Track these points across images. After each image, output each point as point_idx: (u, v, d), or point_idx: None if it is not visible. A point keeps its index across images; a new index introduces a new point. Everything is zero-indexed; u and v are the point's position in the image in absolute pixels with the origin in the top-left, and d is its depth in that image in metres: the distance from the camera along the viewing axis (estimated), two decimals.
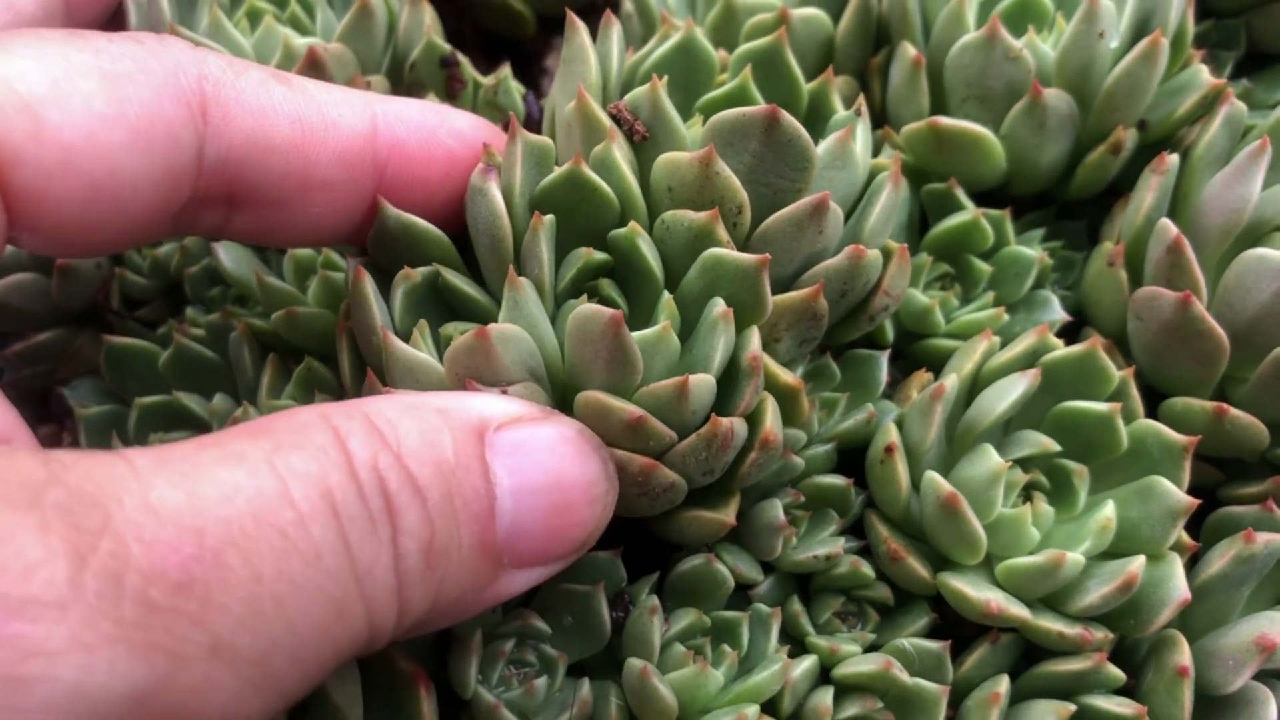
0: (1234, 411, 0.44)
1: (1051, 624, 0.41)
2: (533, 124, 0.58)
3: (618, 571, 0.42)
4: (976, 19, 0.50)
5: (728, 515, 0.41)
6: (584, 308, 0.37)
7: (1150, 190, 0.47)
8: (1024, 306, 0.50)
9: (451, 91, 0.57)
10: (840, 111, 0.45)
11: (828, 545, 0.43)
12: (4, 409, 0.34)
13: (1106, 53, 0.48)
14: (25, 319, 0.56)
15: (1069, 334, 0.50)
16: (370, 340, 0.41)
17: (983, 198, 0.52)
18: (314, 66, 0.50)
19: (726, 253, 0.39)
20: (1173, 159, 0.47)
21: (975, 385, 0.45)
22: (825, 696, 0.41)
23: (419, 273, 0.41)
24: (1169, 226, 0.45)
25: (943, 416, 0.43)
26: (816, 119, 0.45)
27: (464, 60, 0.55)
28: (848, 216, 0.43)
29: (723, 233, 0.39)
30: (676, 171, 0.40)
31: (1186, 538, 0.44)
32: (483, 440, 0.32)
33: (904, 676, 0.41)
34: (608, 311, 0.36)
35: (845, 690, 0.42)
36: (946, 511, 0.41)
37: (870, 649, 0.43)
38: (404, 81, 0.56)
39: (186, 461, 0.28)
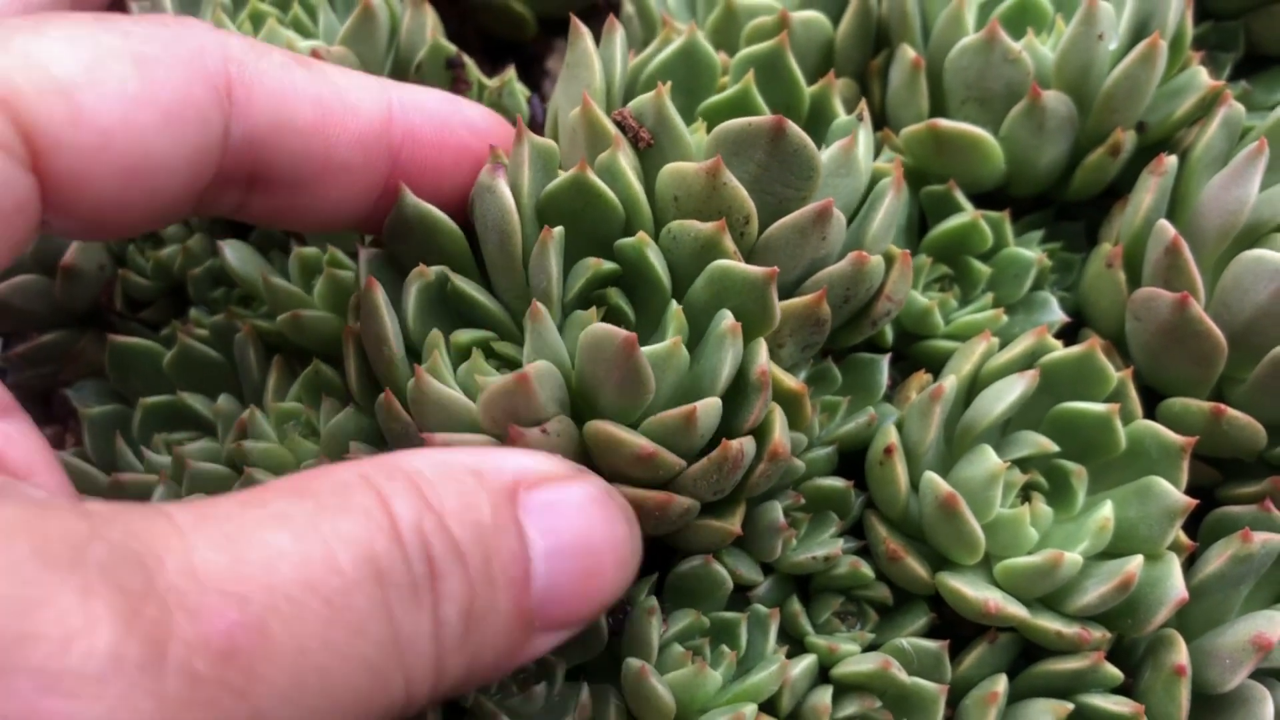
0: (1231, 412, 0.44)
1: (1049, 623, 0.42)
2: (536, 126, 0.58)
3: None
4: (976, 21, 0.50)
5: (733, 524, 0.41)
6: (596, 328, 0.37)
7: (1148, 191, 0.47)
8: (1023, 308, 0.50)
9: (456, 93, 0.57)
10: (842, 115, 0.45)
11: (827, 546, 0.44)
12: (27, 435, 0.34)
13: (1105, 55, 0.48)
14: (28, 320, 0.57)
15: (1068, 335, 0.51)
16: (381, 350, 0.42)
17: (982, 199, 0.52)
18: None
19: (734, 265, 0.39)
20: (1171, 160, 0.47)
21: (974, 386, 0.45)
22: (824, 695, 0.42)
23: (433, 271, 0.42)
24: (1167, 228, 0.45)
25: (941, 417, 0.43)
26: (818, 123, 0.46)
27: (469, 62, 0.56)
28: (850, 222, 0.43)
29: (729, 244, 0.40)
30: (683, 181, 0.40)
31: (1184, 537, 0.44)
32: (515, 501, 0.32)
33: (902, 676, 0.41)
34: (621, 333, 0.36)
35: (844, 689, 0.43)
36: (945, 512, 0.41)
37: (869, 648, 0.44)
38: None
39: (230, 521, 0.27)
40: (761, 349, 0.40)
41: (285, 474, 0.45)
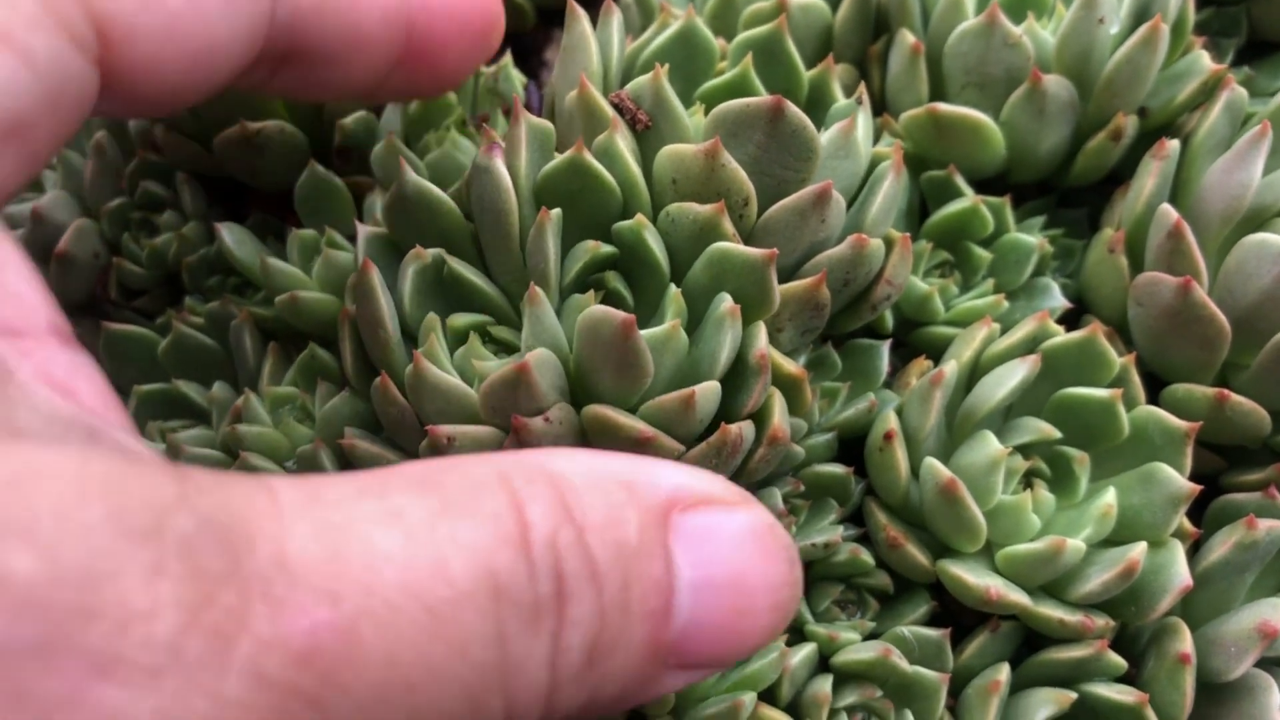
0: (1235, 397, 0.44)
1: (1052, 611, 0.41)
2: (533, 113, 0.58)
3: None
4: (975, 6, 0.50)
5: None
6: (594, 310, 0.37)
7: (1151, 176, 0.47)
8: (1024, 294, 0.50)
9: None
10: (841, 99, 0.45)
11: (827, 533, 0.43)
12: (96, 371, 0.31)
13: (1106, 39, 0.48)
14: None
15: (1070, 321, 0.50)
16: (377, 334, 0.41)
17: (983, 185, 0.52)
18: None
19: (733, 247, 0.39)
20: (1173, 145, 0.47)
21: (975, 372, 0.45)
22: (824, 684, 0.41)
23: (429, 254, 0.41)
24: (1169, 212, 0.44)
25: (942, 403, 0.43)
26: (817, 107, 0.45)
27: None
28: (850, 206, 0.43)
29: (729, 226, 0.39)
30: (681, 163, 0.40)
31: (1188, 524, 0.43)
32: (667, 523, 0.28)
33: (903, 664, 0.41)
34: (619, 316, 0.36)
35: (844, 678, 0.42)
36: (945, 498, 0.41)
37: (870, 637, 0.43)
38: None
39: (338, 509, 0.24)
40: (761, 332, 0.40)
41: (279, 459, 0.45)
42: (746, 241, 0.40)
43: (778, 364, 0.42)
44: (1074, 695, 0.41)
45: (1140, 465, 0.43)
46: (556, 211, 0.40)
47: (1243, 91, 0.47)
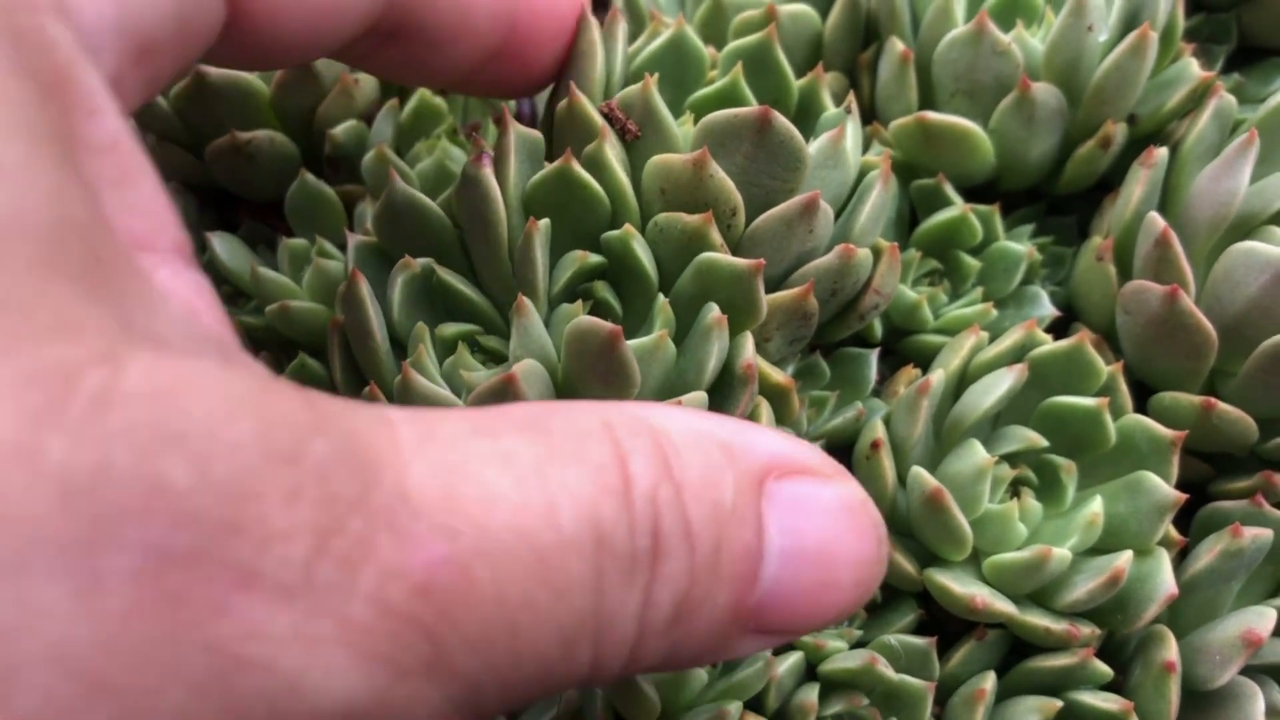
0: (1221, 406, 0.44)
1: (1038, 619, 0.41)
2: (525, 121, 0.58)
3: None
4: (965, 13, 0.50)
5: None
6: (581, 320, 0.37)
7: (1139, 184, 0.47)
8: (1013, 302, 0.50)
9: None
10: (830, 108, 0.45)
11: None
12: (215, 304, 0.30)
13: (1095, 46, 0.48)
14: None
15: (1060, 329, 0.50)
16: (365, 343, 0.42)
17: (973, 193, 0.52)
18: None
19: (720, 257, 0.39)
20: (1161, 153, 0.47)
21: (963, 380, 0.45)
22: (811, 693, 0.41)
23: (418, 263, 0.42)
24: (1156, 220, 0.45)
25: (929, 412, 0.43)
26: (807, 116, 0.45)
27: None
28: (838, 215, 0.43)
29: (716, 236, 0.40)
30: (669, 173, 0.40)
31: (1175, 532, 0.44)
32: (762, 489, 0.28)
33: (889, 672, 0.41)
34: (606, 326, 0.36)
35: (831, 687, 0.42)
36: (931, 507, 0.41)
37: (858, 645, 0.43)
38: None
39: (454, 449, 0.25)
40: (748, 342, 0.40)
41: None
42: (734, 251, 0.41)
43: (765, 373, 0.42)
44: (1060, 703, 0.41)
45: (1127, 474, 0.43)
46: (545, 222, 0.40)
47: (1231, 99, 0.47)
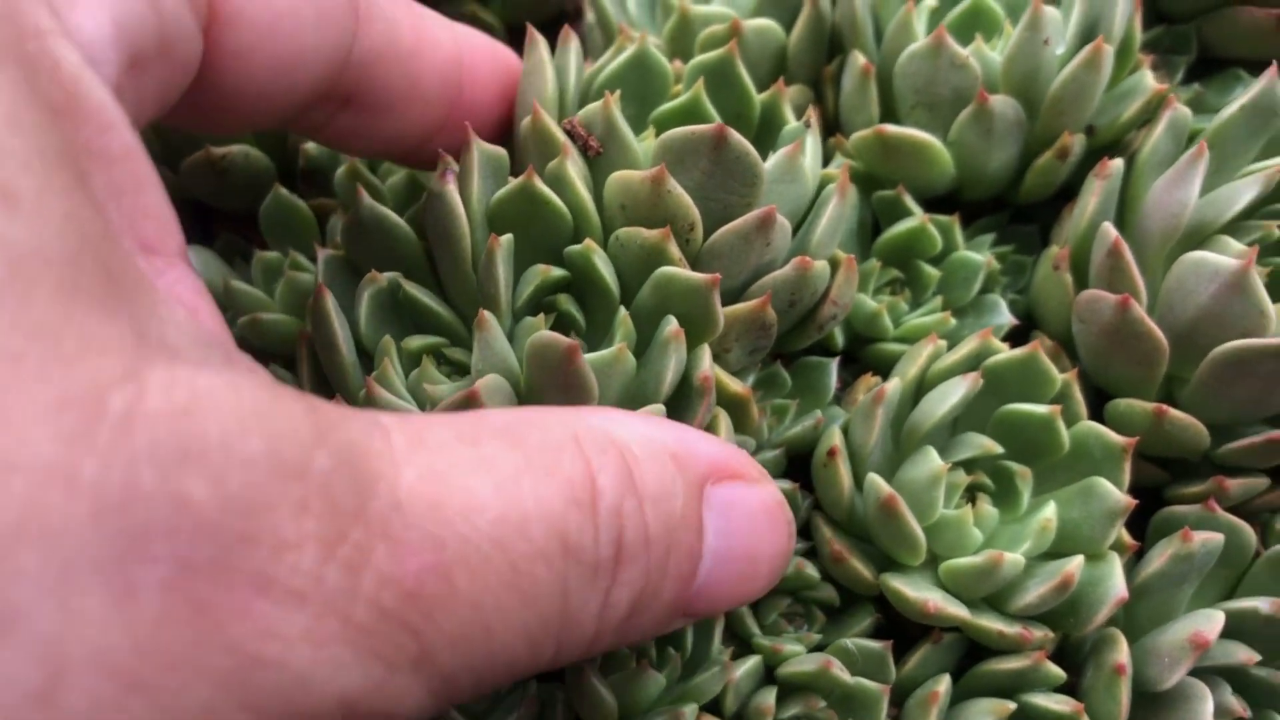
0: (1173, 413, 0.45)
1: (991, 623, 0.42)
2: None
3: None
4: (926, 27, 0.50)
5: None
6: (540, 335, 0.38)
7: (1093, 195, 0.48)
8: (972, 310, 0.51)
9: None
10: (792, 122, 0.46)
11: None
12: (212, 305, 0.33)
13: (1053, 59, 0.48)
14: None
15: (1020, 336, 0.51)
16: (332, 357, 0.42)
17: (936, 203, 0.53)
18: None
19: (678, 271, 0.40)
20: (1115, 164, 0.48)
21: (921, 388, 0.46)
22: (768, 696, 0.42)
23: (384, 277, 0.42)
24: (1109, 230, 0.45)
25: (884, 420, 0.44)
26: (769, 129, 0.46)
27: None
28: (798, 228, 0.44)
29: (674, 250, 0.40)
30: (629, 189, 0.41)
31: (1127, 537, 0.44)
32: (702, 494, 0.32)
33: (845, 676, 0.42)
34: (564, 341, 0.37)
35: (789, 690, 0.43)
36: (886, 513, 0.42)
37: (816, 649, 0.44)
38: None
39: (441, 454, 0.27)
40: (705, 355, 0.41)
41: None
42: (693, 265, 0.42)
43: (724, 383, 0.43)
44: (1013, 705, 0.42)
45: (1081, 479, 0.44)
46: (507, 238, 0.41)
47: (1185, 111, 0.48)
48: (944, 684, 0.43)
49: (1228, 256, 0.43)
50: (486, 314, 0.40)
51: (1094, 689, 0.43)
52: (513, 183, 0.41)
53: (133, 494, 0.21)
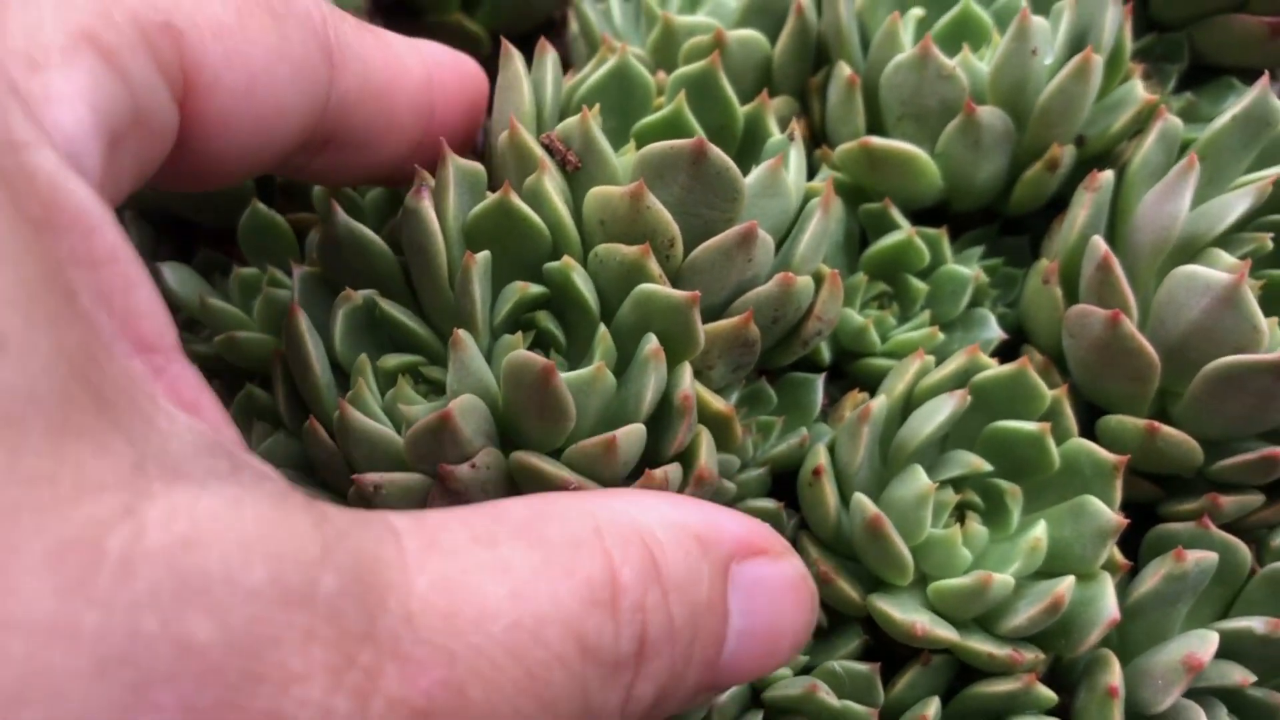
0: (1165, 429, 0.44)
1: (981, 645, 0.41)
2: (481, 150, 0.58)
3: None
4: (913, 38, 0.50)
5: None
6: (516, 355, 0.37)
7: (1083, 208, 0.47)
8: (961, 325, 0.50)
9: None
10: (776, 135, 0.45)
11: None
12: (211, 396, 0.32)
13: (1041, 70, 0.48)
14: None
15: (1010, 350, 0.50)
16: (306, 376, 0.42)
17: (924, 214, 0.52)
18: None
19: (658, 289, 0.39)
20: (1105, 176, 0.47)
21: (908, 404, 0.45)
22: None
23: (360, 295, 0.42)
24: (1098, 244, 0.45)
25: (871, 438, 0.43)
26: (753, 142, 0.46)
27: None
28: (782, 242, 0.43)
29: (654, 267, 0.40)
30: (608, 205, 0.40)
31: (1119, 556, 0.44)
32: (728, 575, 0.32)
33: (831, 699, 0.41)
34: (540, 361, 0.36)
35: (775, 713, 0.42)
36: (872, 533, 0.41)
37: (803, 671, 0.43)
38: None
39: (454, 559, 0.27)
40: (686, 373, 0.40)
41: None
42: (674, 281, 0.41)
43: (706, 401, 0.42)
44: None
45: (1071, 498, 0.43)
46: (484, 255, 0.40)
47: (1176, 121, 0.47)
48: (933, 707, 0.42)
49: (1220, 270, 0.43)
50: (461, 333, 0.39)
51: (1086, 711, 0.43)
52: (490, 198, 0.40)
53: (135, 642, 0.21)
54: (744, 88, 0.51)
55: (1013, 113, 0.48)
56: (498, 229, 0.41)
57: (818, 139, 0.53)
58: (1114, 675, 0.42)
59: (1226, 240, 0.45)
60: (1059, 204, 0.52)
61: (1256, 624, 0.43)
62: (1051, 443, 0.43)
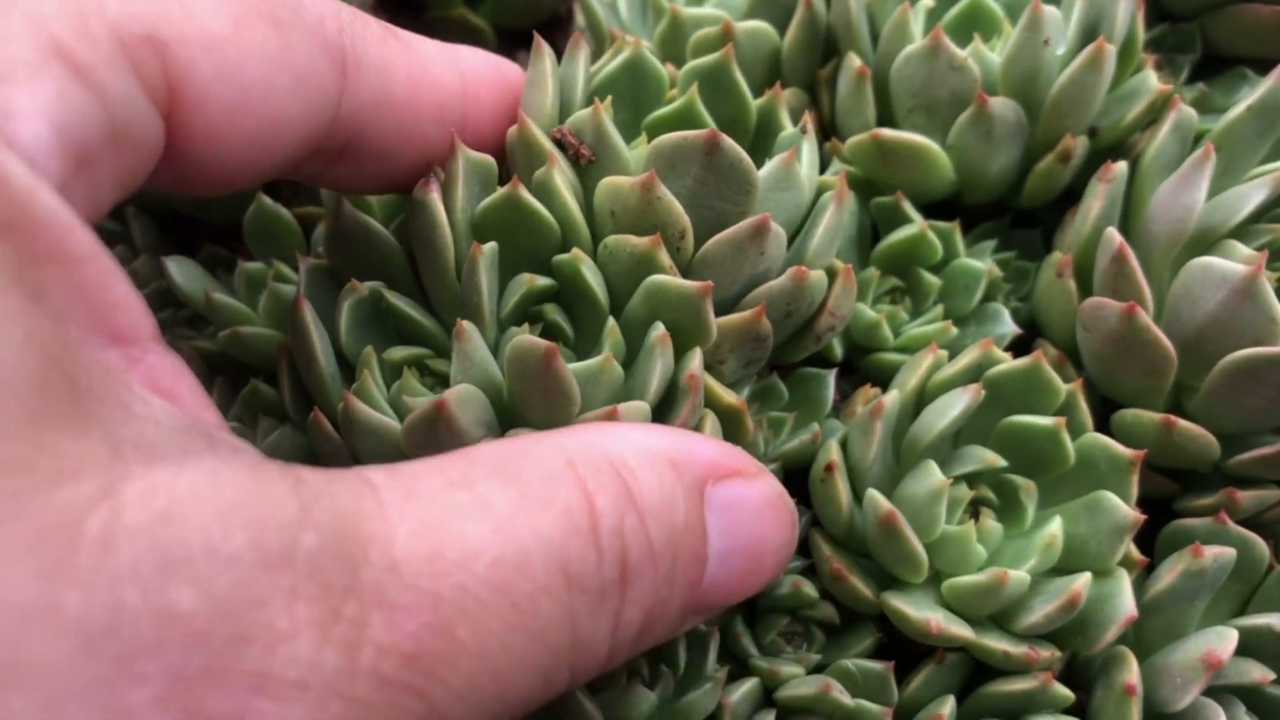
0: (1181, 423, 0.43)
1: (997, 643, 0.41)
2: None
3: None
4: (923, 28, 0.49)
5: None
6: (520, 340, 0.37)
7: (1097, 199, 0.47)
8: (974, 319, 0.49)
9: None
10: (788, 128, 0.44)
11: None
12: (192, 382, 0.33)
13: (1053, 60, 0.47)
14: None
15: (1025, 344, 0.50)
16: (311, 369, 0.41)
17: (936, 207, 0.51)
18: None
19: (668, 279, 0.39)
20: (1119, 167, 0.46)
21: (921, 399, 0.44)
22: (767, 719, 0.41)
23: (366, 287, 0.41)
24: (1113, 236, 0.44)
25: (883, 434, 0.42)
26: (765, 135, 0.45)
27: None
28: (793, 237, 0.43)
29: (665, 258, 0.39)
30: (618, 196, 0.39)
31: (1136, 552, 0.43)
32: (703, 496, 0.32)
33: (845, 699, 0.41)
34: (542, 344, 0.36)
35: (787, 713, 0.42)
36: (886, 530, 0.41)
37: (816, 669, 0.43)
38: None
39: (433, 504, 0.27)
40: (694, 357, 0.39)
41: None
42: (685, 274, 0.40)
43: (717, 395, 0.41)
44: None
45: (1087, 493, 0.43)
46: (490, 246, 0.39)
47: (1190, 112, 0.47)
48: (948, 706, 0.41)
49: (1236, 262, 0.42)
50: (465, 324, 0.38)
51: (1103, 709, 0.42)
52: (498, 193, 0.40)
53: (118, 617, 0.21)
54: (753, 80, 0.51)
55: (1025, 104, 0.48)
56: (506, 222, 0.40)
57: (827, 131, 0.53)
58: (1132, 673, 0.41)
59: (1242, 232, 0.45)
60: (1071, 196, 0.51)
61: (1276, 621, 0.42)
62: (1066, 438, 0.43)
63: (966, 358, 0.44)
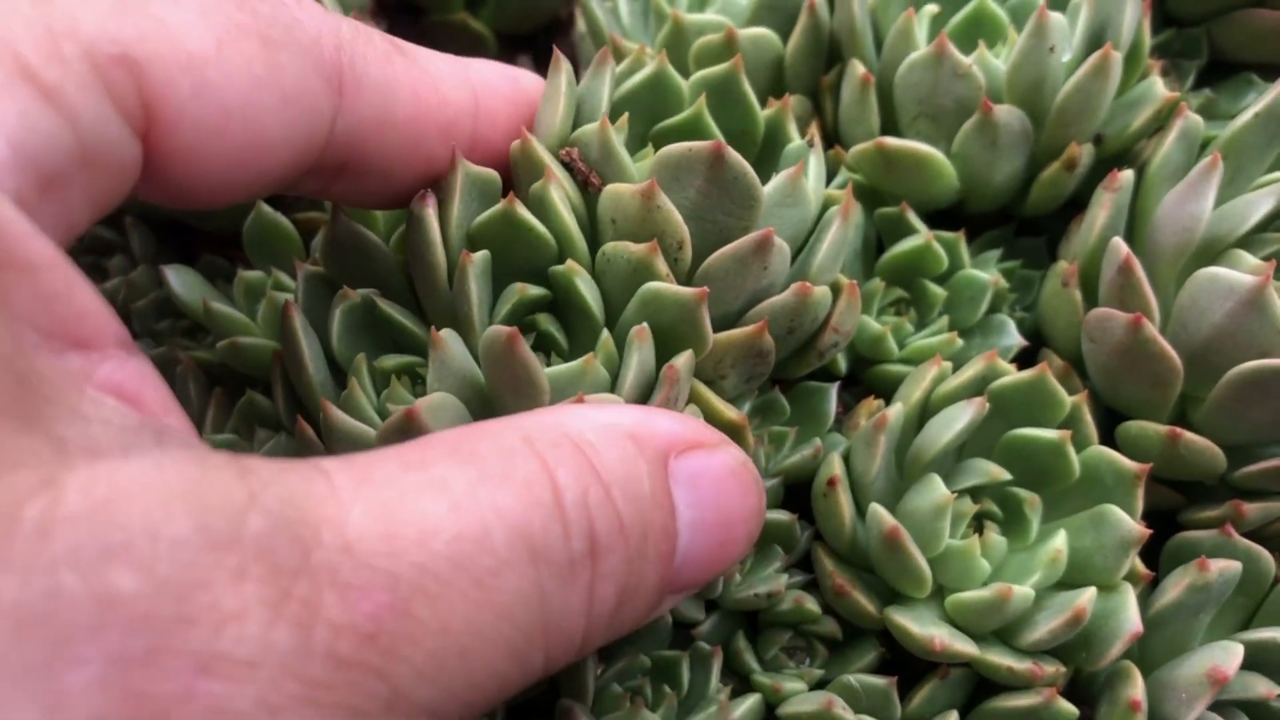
0: (1187, 436, 0.43)
1: (1000, 659, 0.41)
2: None
3: None
4: (928, 35, 0.49)
5: None
6: (490, 330, 0.36)
7: (1103, 208, 0.46)
8: (979, 331, 0.49)
9: None
10: (796, 139, 0.44)
11: (770, 583, 0.43)
12: (154, 373, 0.32)
13: (1058, 67, 0.47)
14: None
15: (1030, 355, 0.49)
16: (301, 376, 0.41)
17: (940, 216, 0.51)
18: None
19: (665, 286, 0.38)
20: (1125, 176, 0.46)
21: (925, 412, 0.44)
22: None
23: (358, 294, 0.41)
24: (1119, 246, 0.44)
25: (887, 447, 0.42)
26: (773, 147, 0.45)
27: None
28: (800, 251, 0.42)
29: (662, 266, 0.39)
30: (620, 204, 0.39)
31: (1141, 567, 0.43)
32: (667, 469, 0.32)
33: (847, 714, 0.40)
34: (505, 330, 0.35)
35: None
36: (890, 545, 0.40)
37: (819, 685, 0.43)
38: None
39: (389, 485, 0.26)
40: (682, 356, 0.39)
41: None
42: (685, 285, 0.40)
43: (718, 410, 0.41)
44: None
45: (1092, 506, 0.42)
46: (481, 255, 0.39)
47: (1197, 119, 0.46)
48: None
49: (1243, 272, 0.42)
50: (442, 332, 0.38)
51: None
52: (494, 208, 0.39)
53: (55, 601, 0.21)
54: (756, 86, 0.50)
55: (1030, 111, 0.47)
56: (501, 237, 0.40)
57: (830, 139, 0.52)
58: (1136, 688, 0.41)
59: (1250, 241, 0.44)
60: (1077, 204, 0.51)
61: None
62: (1071, 451, 0.42)
63: (971, 370, 0.43)
